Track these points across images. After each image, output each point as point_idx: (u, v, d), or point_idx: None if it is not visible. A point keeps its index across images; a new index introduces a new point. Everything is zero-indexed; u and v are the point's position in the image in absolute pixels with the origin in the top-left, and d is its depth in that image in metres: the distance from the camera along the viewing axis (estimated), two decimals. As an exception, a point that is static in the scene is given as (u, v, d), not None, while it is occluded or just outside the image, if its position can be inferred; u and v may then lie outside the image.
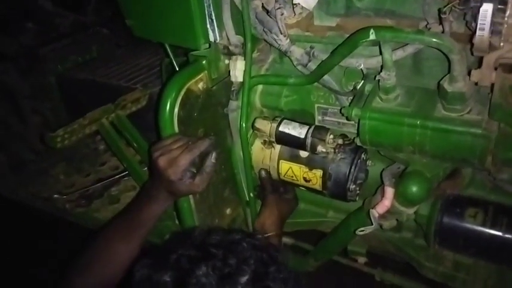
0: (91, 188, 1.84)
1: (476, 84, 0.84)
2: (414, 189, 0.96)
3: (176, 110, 1.06)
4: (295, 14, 1.08)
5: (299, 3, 1.00)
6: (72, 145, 1.51)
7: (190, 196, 1.14)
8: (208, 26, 1.12)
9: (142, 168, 1.54)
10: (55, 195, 1.84)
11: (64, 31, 2.30)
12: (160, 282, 0.64)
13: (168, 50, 1.38)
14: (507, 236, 0.97)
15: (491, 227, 0.98)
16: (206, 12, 1.10)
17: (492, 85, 0.82)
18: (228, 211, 1.34)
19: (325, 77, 1.08)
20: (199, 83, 1.11)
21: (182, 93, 1.06)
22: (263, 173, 1.24)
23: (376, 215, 1.00)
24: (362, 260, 1.35)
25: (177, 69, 1.36)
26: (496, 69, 0.80)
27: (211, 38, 1.13)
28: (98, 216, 1.69)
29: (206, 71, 1.13)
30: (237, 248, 0.69)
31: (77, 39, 2.25)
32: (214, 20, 1.11)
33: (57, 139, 1.39)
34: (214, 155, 1.00)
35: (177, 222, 1.32)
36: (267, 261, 0.68)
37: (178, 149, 0.97)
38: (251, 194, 1.27)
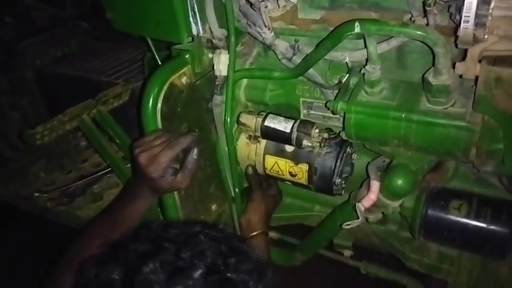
0: (73, 185, 1.81)
1: (460, 77, 0.85)
2: (399, 182, 0.96)
3: (159, 105, 1.03)
4: (279, 7, 1.07)
5: (283, -4, 0.99)
6: (52, 142, 1.47)
7: (175, 192, 1.12)
8: (191, 19, 1.10)
9: (126, 165, 1.51)
10: (36, 194, 1.79)
11: (42, 25, 2.25)
12: (107, 280, 0.62)
13: (150, 43, 1.35)
14: (491, 227, 0.98)
15: (476, 219, 0.99)
16: (189, 5, 1.08)
17: (476, 78, 0.82)
18: (213, 207, 1.33)
19: (310, 70, 1.07)
20: (182, 78, 1.09)
21: (165, 88, 1.04)
22: (250, 169, 1.23)
23: (362, 208, 1.00)
24: (348, 253, 1.35)
25: (160, 63, 1.34)
26: (480, 61, 0.80)
27: (194, 32, 1.12)
28: (80, 214, 1.66)
29: (189, 65, 1.10)
30: (193, 241, 0.66)
31: (56, 33, 2.20)
32: (197, 13, 1.09)
33: (37, 136, 1.36)
34: (195, 151, 0.99)
35: (162, 219, 1.30)
36: (227, 252, 0.66)
37: (160, 146, 0.95)
38: (236, 190, 1.26)
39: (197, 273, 0.61)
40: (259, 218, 1.19)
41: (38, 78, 1.99)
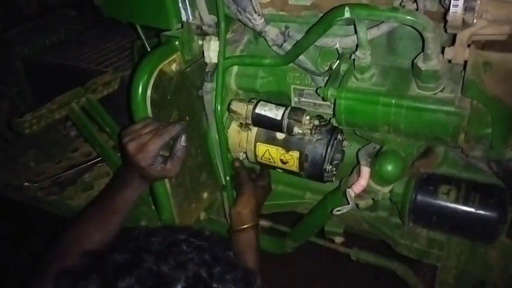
0: (63, 175, 1.79)
1: (449, 62, 0.85)
2: (389, 168, 0.96)
3: (149, 92, 1.03)
4: (269, -7, 1.06)
5: (273, -19, 0.98)
6: (41, 130, 1.46)
7: (166, 181, 1.12)
8: (180, 5, 1.08)
9: (116, 154, 1.50)
10: (25, 183, 1.78)
11: (30, 14, 2.21)
12: None
13: (140, 31, 1.34)
14: (479, 212, 0.99)
15: (464, 204, 1.00)
16: (178, -9, 1.06)
17: (465, 63, 0.82)
18: (205, 195, 1.33)
19: (301, 57, 1.07)
20: (172, 65, 1.08)
21: (155, 75, 1.03)
22: (236, 162, 1.23)
23: (353, 194, 1.01)
24: (339, 239, 1.36)
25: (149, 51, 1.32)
26: (469, 46, 0.80)
27: (184, 18, 1.10)
28: (71, 204, 1.65)
29: (179, 52, 1.10)
30: (175, 251, 0.64)
31: (44, 21, 2.16)
32: (187, -1, 1.07)
33: (25, 124, 1.34)
34: (183, 138, 0.98)
35: (153, 207, 1.30)
36: (211, 262, 0.64)
37: (148, 134, 0.95)
38: (227, 178, 1.26)
39: (178, 287, 0.59)
40: (250, 211, 1.19)
41: (26, 67, 1.95)
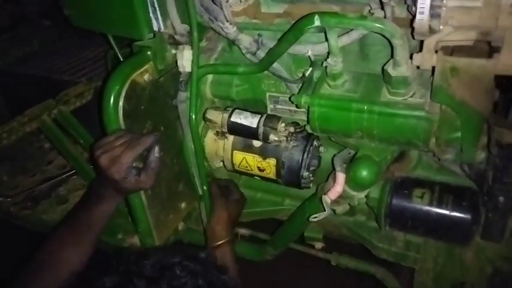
0: (37, 188, 1.74)
1: (418, 67, 0.86)
2: (364, 173, 0.97)
3: (121, 103, 1.01)
4: (241, 1, 1.06)
5: (244, -10, 0.98)
6: (14, 144, 1.42)
7: (142, 192, 1.10)
8: (151, 14, 1.07)
9: (90, 166, 1.47)
10: (-1, 198, 1.73)
11: (3, 24, 2.16)
12: None
13: (111, 40, 1.31)
14: (453, 214, 1.00)
15: (438, 206, 1.01)
16: (148, 0, 1.05)
17: (433, 68, 0.83)
18: (183, 205, 1.31)
19: (275, 64, 1.07)
20: (144, 75, 1.07)
21: (126, 85, 1.02)
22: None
23: (329, 200, 1.01)
24: (319, 245, 1.36)
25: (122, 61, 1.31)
26: (436, 52, 0.81)
27: (155, 28, 1.09)
28: (45, 218, 1.61)
29: (151, 62, 1.08)
30: (168, 276, 0.62)
31: (17, 32, 2.12)
32: (158, 8, 1.06)
33: (-5, 138, 1.31)
34: (157, 149, 0.97)
35: (130, 219, 1.28)
36: (204, 287, 0.63)
37: (121, 147, 0.93)
38: (204, 187, 1.24)
39: None
40: (222, 226, 1.18)
41: (-1, 79, 1.92)
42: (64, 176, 1.76)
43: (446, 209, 1.01)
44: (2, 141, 1.32)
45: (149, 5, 1.05)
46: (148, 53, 1.07)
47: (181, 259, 0.66)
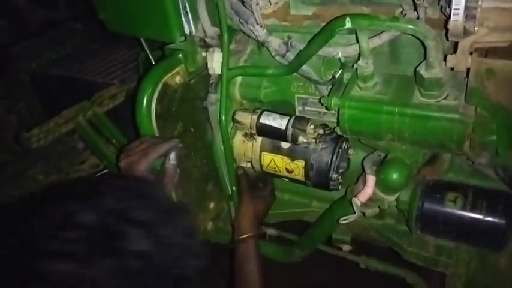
0: (71, 187, 1.80)
1: (452, 69, 0.85)
2: (394, 176, 0.96)
3: (153, 105, 1.04)
4: (271, 4, 1.07)
5: (274, -7, 0.98)
6: (49, 144, 1.47)
7: (173, 192, 1.13)
8: (183, 18, 1.09)
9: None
10: (34, 197, 1.79)
11: (36, 28, 2.24)
12: None
13: (144, 44, 1.35)
14: (487, 219, 0.98)
15: (471, 211, 0.99)
16: (180, 5, 1.08)
17: (468, 70, 0.82)
18: (211, 205, 1.33)
19: (304, 66, 1.07)
20: (176, 77, 1.09)
21: (159, 87, 1.05)
22: (239, 170, 1.23)
23: (359, 203, 1.00)
24: (346, 248, 1.35)
25: (154, 63, 1.34)
26: (471, 53, 0.80)
27: (187, 31, 1.11)
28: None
29: (183, 65, 1.11)
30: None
31: (50, 35, 2.19)
32: (189, 12, 1.09)
33: (32, 139, 1.36)
34: (172, 156, 0.99)
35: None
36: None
37: (140, 153, 0.97)
38: (233, 188, 1.26)
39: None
40: (248, 221, 1.19)
41: (33, 81, 1.98)
42: (97, 175, 1.81)
43: (480, 214, 0.98)
44: (39, 142, 1.38)
45: (181, 9, 1.08)
46: (180, 55, 1.10)
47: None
